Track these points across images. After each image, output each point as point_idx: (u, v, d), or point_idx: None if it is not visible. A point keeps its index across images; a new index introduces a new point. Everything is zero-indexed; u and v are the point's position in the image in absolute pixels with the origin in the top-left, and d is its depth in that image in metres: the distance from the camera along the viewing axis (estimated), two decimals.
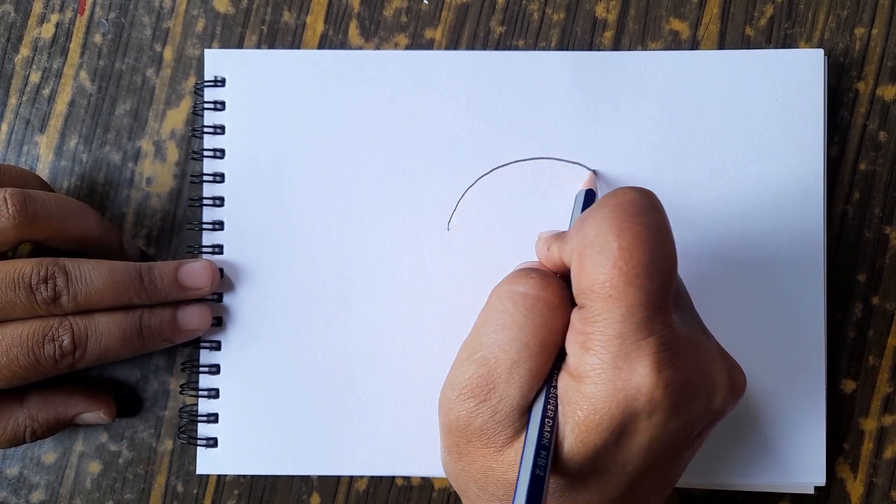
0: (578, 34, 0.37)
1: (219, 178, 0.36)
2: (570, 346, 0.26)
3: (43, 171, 0.37)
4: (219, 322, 0.36)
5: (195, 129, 0.37)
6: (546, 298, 0.26)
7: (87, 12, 0.38)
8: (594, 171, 0.35)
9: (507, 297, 0.27)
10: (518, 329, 0.26)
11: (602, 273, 0.24)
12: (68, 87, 0.37)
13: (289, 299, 0.36)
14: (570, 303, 0.27)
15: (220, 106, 0.36)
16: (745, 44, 0.37)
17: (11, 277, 0.31)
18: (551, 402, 0.26)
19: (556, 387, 0.26)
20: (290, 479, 0.37)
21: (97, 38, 0.37)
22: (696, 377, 0.26)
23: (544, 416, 0.25)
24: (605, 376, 0.24)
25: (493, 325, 0.27)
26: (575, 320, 0.26)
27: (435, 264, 0.36)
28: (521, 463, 0.25)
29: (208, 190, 0.36)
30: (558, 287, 0.27)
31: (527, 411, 0.26)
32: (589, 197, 0.33)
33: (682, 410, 0.25)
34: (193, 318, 0.35)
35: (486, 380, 0.27)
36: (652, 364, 0.24)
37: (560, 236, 0.29)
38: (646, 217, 0.25)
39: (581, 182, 0.36)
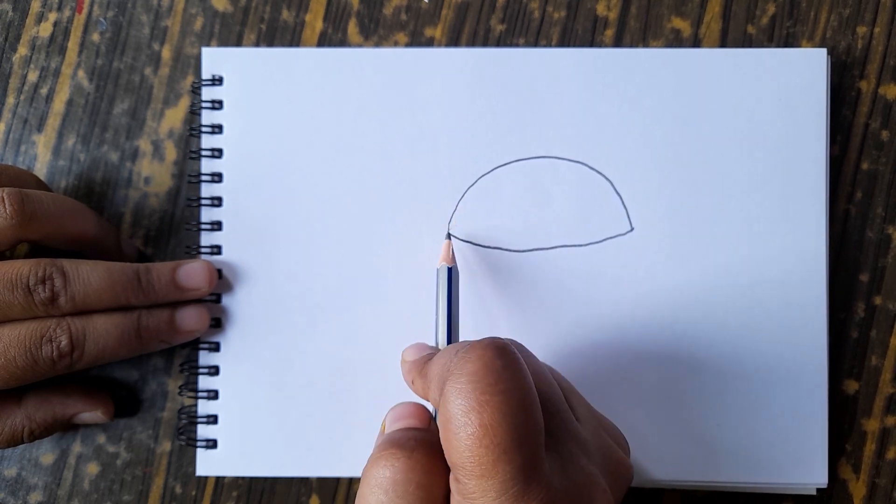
0: (579, 32, 0.37)
1: (217, 177, 0.36)
2: None
3: (40, 170, 0.37)
4: (217, 323, 0.36)
5: (193, 128, 0.37)
6: (416, 480, 0.26)
7: (85, 11, 0.37)
8: (449, 236, 0.35)
9: (378, 487, 0.26)
10: None
11: (468, 451, 0.24)
12: (66, 86, 0.37)
13: (288, 300, 0.36)
14: (443, 462, 0.26)
15: (217, 105, 0.36)
16: (747, 42, 0.37)
17: (9, 278, 0.30)
18: None
19: None
20: (290, 480, 0.36)
21: (95, 37, 0.37)
22: None
23: None
24: None
25: None
26: (454, 491, 0.25)
27: (435, 264, 0.36)
28: None
29: (206, 190, 0.36)
30: (426, 460, 0.26)
31: None
32: (450, 276, 0.33)
33: None
34: (191, 319, 0.35)
35: None
36: None
37: (422, 370, 0.28)
38: (504, 384, 0.24)
39: (580, 183, 0.35)
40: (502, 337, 0.27)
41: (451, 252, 0.34)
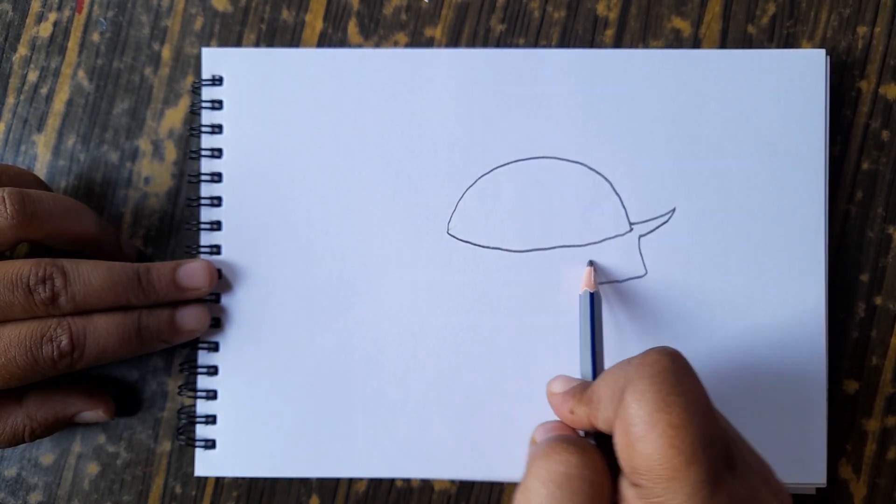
0: (579, 32, 0.37)
1: (216, 177, 0.36)
2: None
3: (41, 170, 0.37)
4: (216, 323, 0.36)
5: (193, 128, 0.37)
6: (590, 478, 0.25)
7: (85, 11, 0.37)
8: (591, 263, 0.35)
9: (550, 480, 0.25)
10: None
11: (658, 454, 0.24)
12: (66, 86, 0.37)
13: (287, 300, 0.36)
14: (609, 471, 0.26)
15: (217, 105, 0.36)
16: (747, 42, 0.37)
17: (9, 278, 0.30)
18: None
19: None
20: (290, 480, 0.36)
21: (95, 37, 0.37)
22: None
23: None
24: None
25: None
26: (631, 497, 0.25)
27: (434, 265, 0.36)
28: None
29: (206, 190, 0.36)
30: (598, 459, 0.26)
31: None
32: (592, 301, 0.33)
33: None
34: (192, 318, 0.35)
35: None
36: None
37: (581, 396, 0.28)
38: (686, 385, 0.25)
39: (579, 183, 0.35)
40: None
41: (592, 278, 0.34)
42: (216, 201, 0.36)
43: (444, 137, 0.36)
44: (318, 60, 0.36)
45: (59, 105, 0.37)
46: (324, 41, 0.37)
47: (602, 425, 0.27)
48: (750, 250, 0.35)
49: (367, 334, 0.36)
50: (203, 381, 0.36)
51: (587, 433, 0.28)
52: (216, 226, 0.36)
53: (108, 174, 0.37)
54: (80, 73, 0.37)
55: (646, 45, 0.37)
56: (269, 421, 0.36)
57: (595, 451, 0.26)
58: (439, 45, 0.37)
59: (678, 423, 0.24)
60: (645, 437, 0.24)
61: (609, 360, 0.35)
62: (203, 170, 0.36)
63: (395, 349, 0.36)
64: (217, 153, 0.36)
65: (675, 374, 0.25)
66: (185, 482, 0.36)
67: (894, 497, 0.36)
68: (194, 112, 0.37)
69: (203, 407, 0.36)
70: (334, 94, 0.36)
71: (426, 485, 0.36)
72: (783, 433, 0.35)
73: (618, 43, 0.37)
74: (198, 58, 0.37)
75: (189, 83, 0.37)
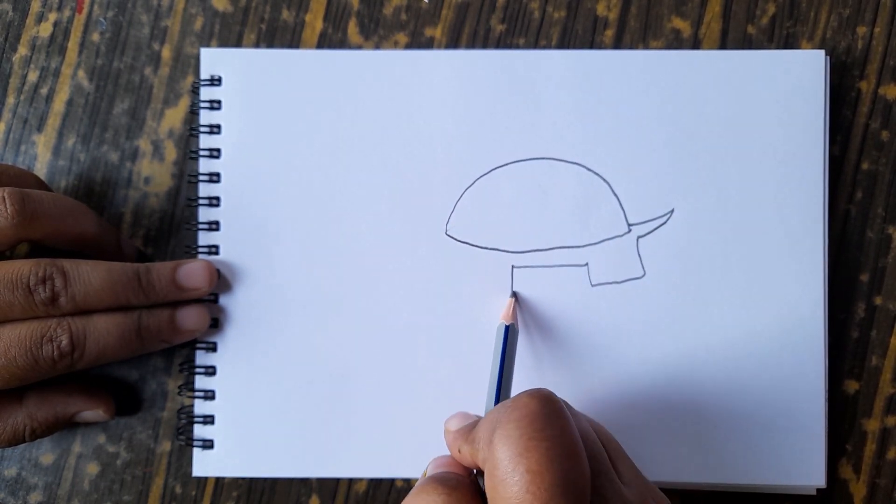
0: (579, 32, 0.37)
1: (215, 177, 0.36)
2: None
3: (41, 170, 0.37)
4: (214, 323, 0.36)
5: (193, 128, 0.37)
6: None
7: (85, 11, 0.37)
8: (514, 295, 0.35)
9: None
10: None
11: (516, 498, 0.24)
12: (66, 86, 0.37)
13: (285, 300, 0.36)
14: None
15: (216, 105, 0.36)
16: (747, 43, 0.37)
17: (9, 278, 0.30)
18: None
19: None
20: (290, 480, 0.36)
21: (95, 37, 0.37)
22: None
23: None
24: None
25: None
26: None
27: (432, 266, 0.36)
28: None
29: (204, 190, 0.36)
30: (467, 497, 0.26)
31: None
32: (507, 334, 0.33)
33: None
34: (192, 318, 0.35)
35: None
36: None
37: (469, 436, 0.28)
38: (551, 430, 0.25)
39: (578, 184, 0.35)
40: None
41: (512, 310, 0.34)
42: (214, 201, 0.36)
43: (442, 138, 0.36)
44: (316, 61, 0.36)
45: (59, 105, 0.37)
46: (324, 41, 0.37)
47: (481, 465, 0.27)
48: (749, 251, 0.35)
49: (366, 334, 0.36)
50: (201, 382, 0.36)
51: (478, 472, 0.28)
52: (214, 226, 0.36)
53: (108, 174, 0.37)
54: (80, 73, 0.37)
55: (646, 46, 0.37)
56: (267, 421, 0.36)
57: (467, 491, 0.26)
58: (439, 46, 0.37)
59: (536, 469, 0.24)
60: (505, 481, 0.24)
61: (610, 364, 0.35)
62: (201, 170, 0.36)
63: (393, 349, 0.36)
64: (215, 153, 0.36)
65: (541, 418, 0.25)
66: (185, 482, 0.36)
67: (894, 497, 0.36)
68: (194, 112, 0.37)
69: (201, 407, 0.36)
70: (332, 95, 0.36)
71: None
72: (783, 434, 0.35)
73: (618, 43, 0.37)
74: (198, 58, 0.37)
75: (189, 83, 0.37)
